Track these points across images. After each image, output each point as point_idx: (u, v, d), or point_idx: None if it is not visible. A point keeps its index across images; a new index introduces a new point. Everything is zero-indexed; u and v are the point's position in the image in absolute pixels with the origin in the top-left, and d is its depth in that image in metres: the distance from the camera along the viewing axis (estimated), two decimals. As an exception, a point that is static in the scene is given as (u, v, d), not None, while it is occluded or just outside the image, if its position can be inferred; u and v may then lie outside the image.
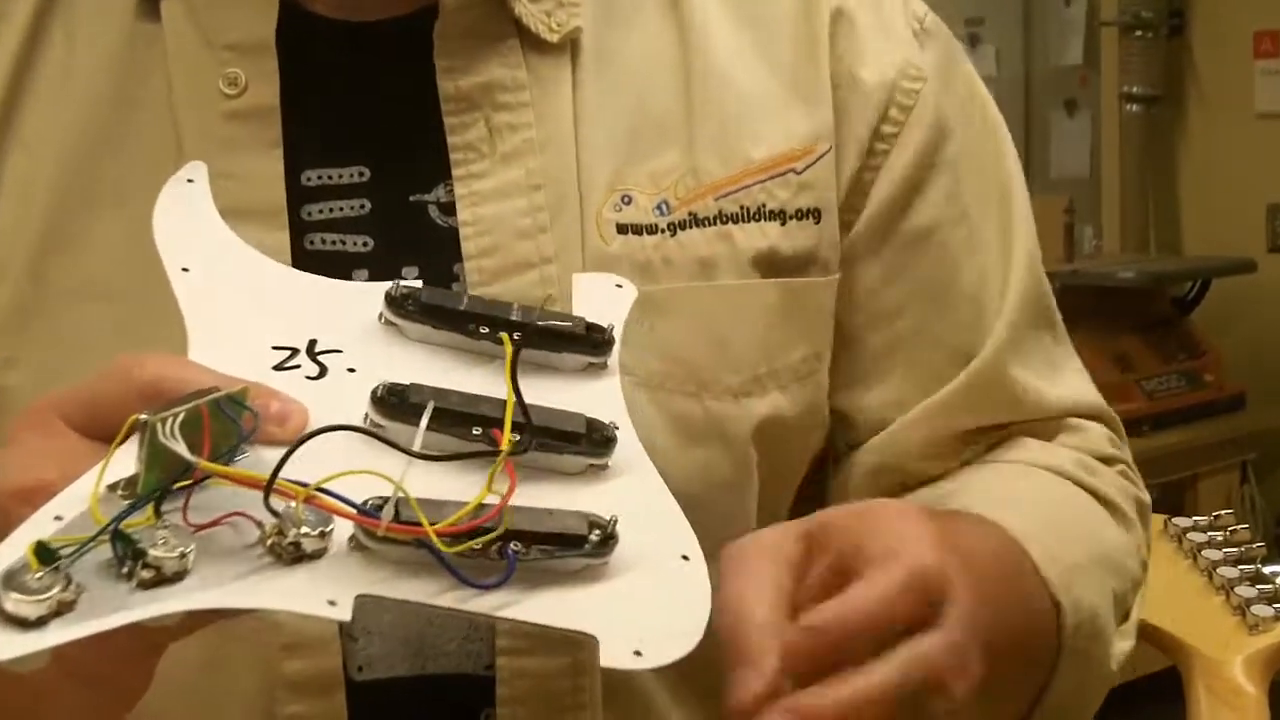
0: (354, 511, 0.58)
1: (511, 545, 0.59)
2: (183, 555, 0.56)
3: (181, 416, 0.58)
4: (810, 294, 0.87)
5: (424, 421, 0.62)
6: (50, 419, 0.65)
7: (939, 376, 0.88)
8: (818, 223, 0.87)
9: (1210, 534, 0.97)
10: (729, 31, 0.88)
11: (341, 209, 0.83)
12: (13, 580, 0.54)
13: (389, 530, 0.57)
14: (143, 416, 0.58)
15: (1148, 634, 0.92)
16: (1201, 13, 3.99)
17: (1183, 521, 0.99)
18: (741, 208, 0.85)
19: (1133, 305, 3.57)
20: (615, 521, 0.61)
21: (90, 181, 0.83)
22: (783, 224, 0.86)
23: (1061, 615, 0.76)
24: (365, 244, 0.83)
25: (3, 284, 0.83)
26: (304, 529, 0.57)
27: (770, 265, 0.86)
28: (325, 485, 0.58)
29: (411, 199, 0.84)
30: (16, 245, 0.83)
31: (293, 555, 0.57)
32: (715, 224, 0.85)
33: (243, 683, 0.78)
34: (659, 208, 0.85)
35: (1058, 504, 0.85)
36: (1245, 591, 0.91)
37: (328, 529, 0.58)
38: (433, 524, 0.58)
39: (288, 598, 0.57)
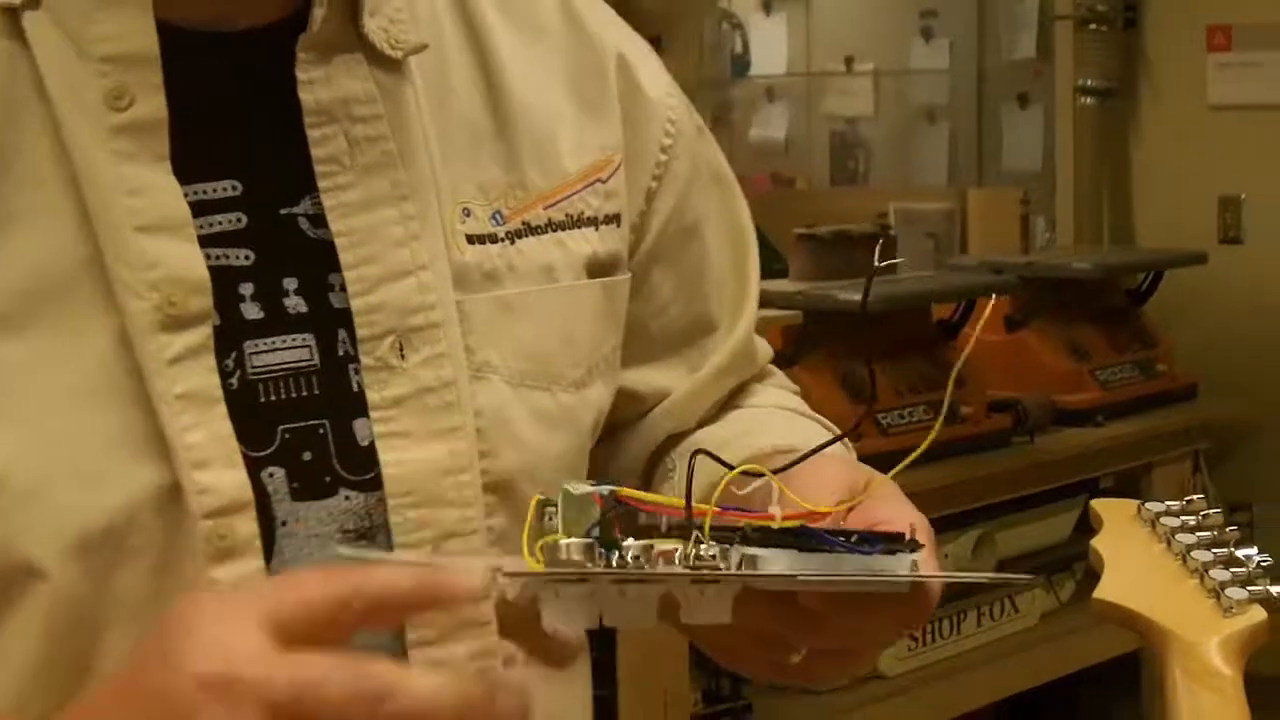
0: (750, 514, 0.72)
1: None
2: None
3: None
4: (618, 291, 0.98)
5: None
6: (246, 621, 0.65)
7: (703, 350, 1.06)
8: (619, 227, 0.98)
9: (1183, 518, 0.98)
10: (514, 45, 0.95)
11: (220, 223, 0.85)
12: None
13: (784, 520, 0.72)
14: (540, 495, 0.71)
15: (1123, 618, 0.93)
16: (1155, 6, 4.02)
17: (1155, 506, 1.00)
18: (566, 216, 0.95)
19: (1087, 296, 3.59)
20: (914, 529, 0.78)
21: None
22: (596, 229, 0.96)
23: None
24: (247, 257, 0.85)
25: None
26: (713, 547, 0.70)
27: (594, 267, 0.96)
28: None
29: (282, 212, 0.86)
30: None
31: (710, 566, 0.70)
32: (548, 232, 0.94)
33: None
34: (494, 218, 0.92)
35: (816, 427, 1.10)
36: (1219, 575, 0.92)
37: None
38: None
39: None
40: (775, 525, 0.72)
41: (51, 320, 0.81)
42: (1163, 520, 0.99)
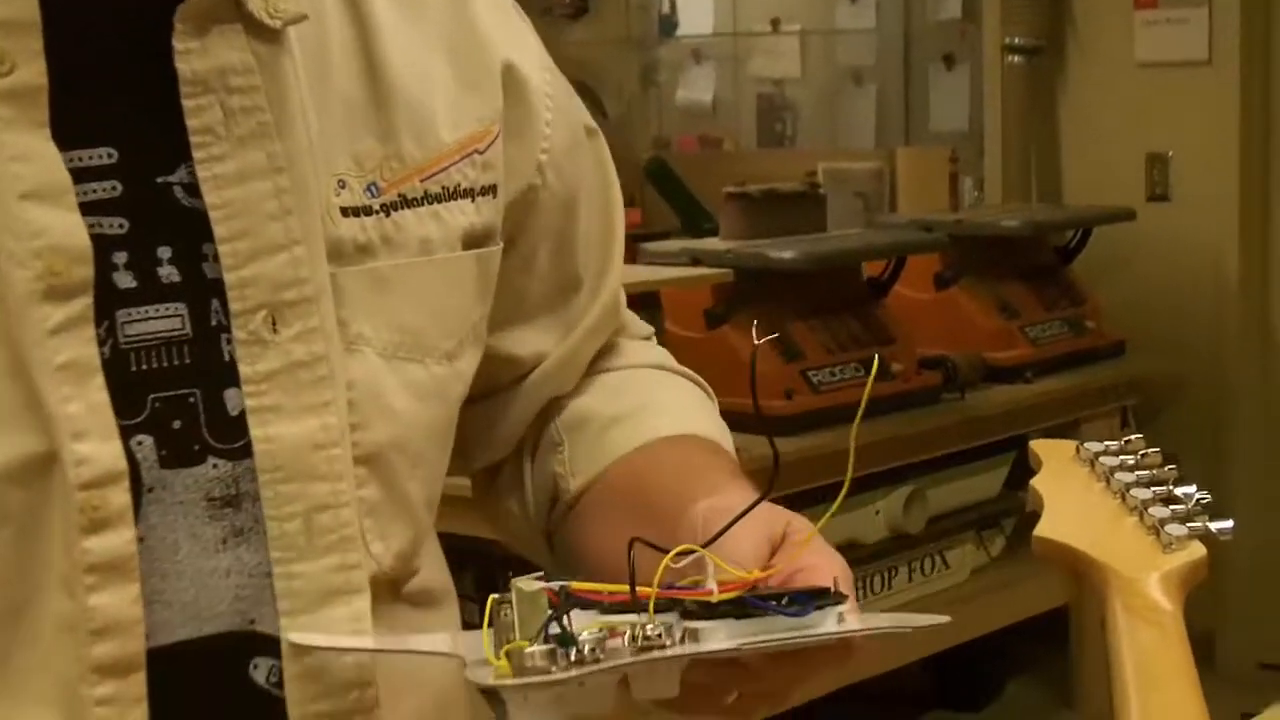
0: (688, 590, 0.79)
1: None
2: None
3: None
4: (491, 261, 0.98)
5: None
6: None
7: (574, 308, 1.06)
8: (495, 198, 0.98)
9: (1122, 458, 0.98)
10: (395, 18, 0.95)
11: (95, 191, 0.84)
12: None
13: (720, 594, 0.78)
14: (495, 596, 0.75)
15: (1063, 556, 0.93)
16: (1082, -36, 4.03)
17: (1094, 446, 1.00)
18: (443, 188, 0.94)
19: (1016, 254, 3.60)
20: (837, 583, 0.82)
21: None
22: (473, 200, 0.96)
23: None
24: (121, 225, 0.84)
25: None
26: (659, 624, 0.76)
27: (469, 239, 0.96)
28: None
29: (158, 180, 0.85)
30: None
31: (658, 644, 0.76)
32: (424, 204, 0.94)
33: (41, 668, 0.81)
34: (369, 190, 0.92)
35: (693, 397, 1.10)
36: (1159, 512, 0.92)
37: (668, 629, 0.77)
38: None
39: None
40: (714, 600, 0.78)
41: None
42: (1101, 460, 0.98)
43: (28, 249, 0.80)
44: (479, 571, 2.53)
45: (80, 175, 0.83)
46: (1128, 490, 0.95)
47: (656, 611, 0.76)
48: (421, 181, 0.94)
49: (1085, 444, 1.00)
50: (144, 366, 0.84)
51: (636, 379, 1.10)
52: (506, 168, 0.99)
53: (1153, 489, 0.94)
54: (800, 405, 2.93)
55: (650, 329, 1.17)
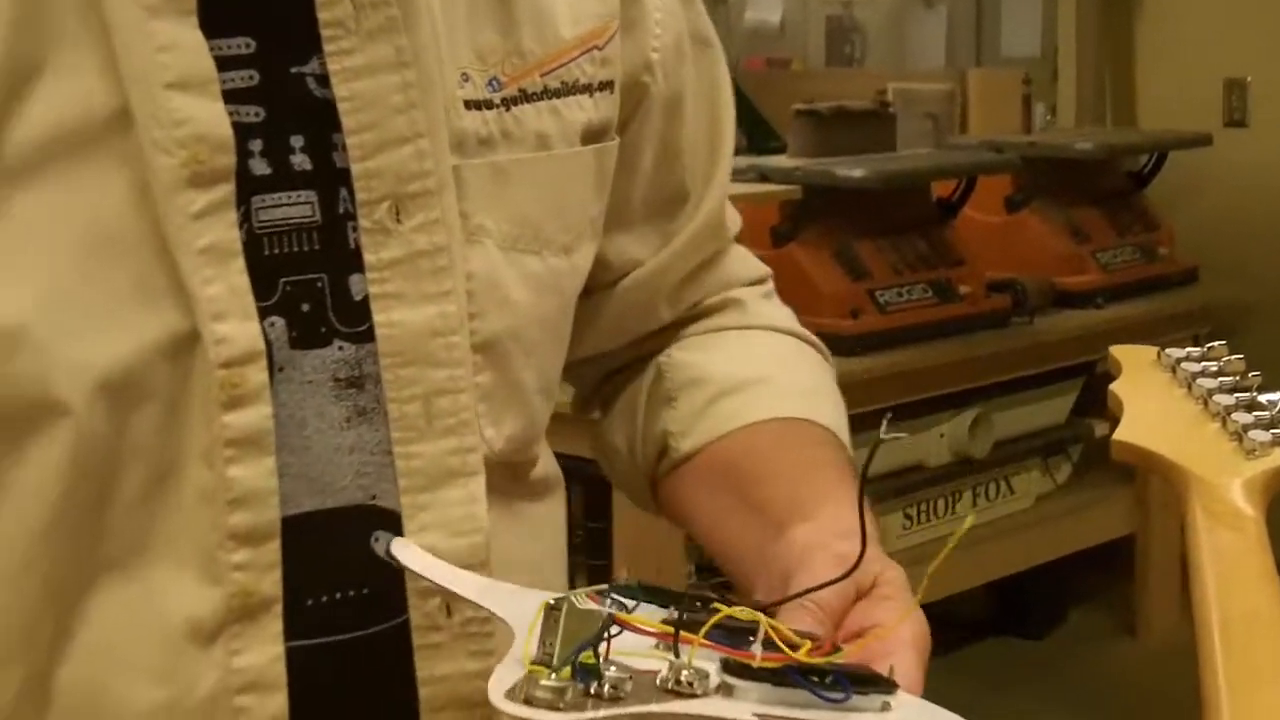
0: (729, 647, 0.74)
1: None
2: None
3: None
4: (608, 157, 1.00)
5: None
6: None
7: (675, 220, 1.06)
8: (612, 93, 0.99)
9: (1204, 364, 0.95)
10: None
11: (235, 80, 0.86)
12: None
13: (763, 660, 0.73)
14: (550, 600, 0.72)
15: (1142, 459, 0.90)
16: (1162, -117, 3.95)
17: (1176, 352, 0.97)
18: (562, 84, 0.96)
19: (1089, 178, 3.55)
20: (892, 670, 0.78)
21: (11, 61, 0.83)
22: (591, 96, 0.98)
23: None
24: (258, 114, 0.87)
25: None
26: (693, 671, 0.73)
27: (588, 134, 0.98)
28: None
29: (292, 70, 0.88)
30: None
31: (688, 692, 0.73)
32: (543, 99, 0.95)
33: (183, 534, 0.85)
34: (490, 84, 0.94)
35: (815, 373, 1.09)
36: (1242, 418, 0.89)
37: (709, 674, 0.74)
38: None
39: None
40: (754, 664, 0.75)
41: (72, 173, 0.83)
42: (1183, 366, 0.95)
43: (173, 137, 0.83)
44: (582, 489, 2.54)
45: (221, 64, 0.85)
46: (1210, 396, 0.92)
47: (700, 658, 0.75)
48: (541, 76, 0.96)
49: (1166, 350, 0.97)
50: (276, 251, 0.87)
51: (759, 344, 1.09)
52: (620, 64, 1.00)
53: (1235, 395, 0.92)
54: (866, 325, 2.90)
55: (765, 270, 1.15)
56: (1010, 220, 3.45)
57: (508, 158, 0.94)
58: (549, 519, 1.03)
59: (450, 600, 0.90)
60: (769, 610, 0.79)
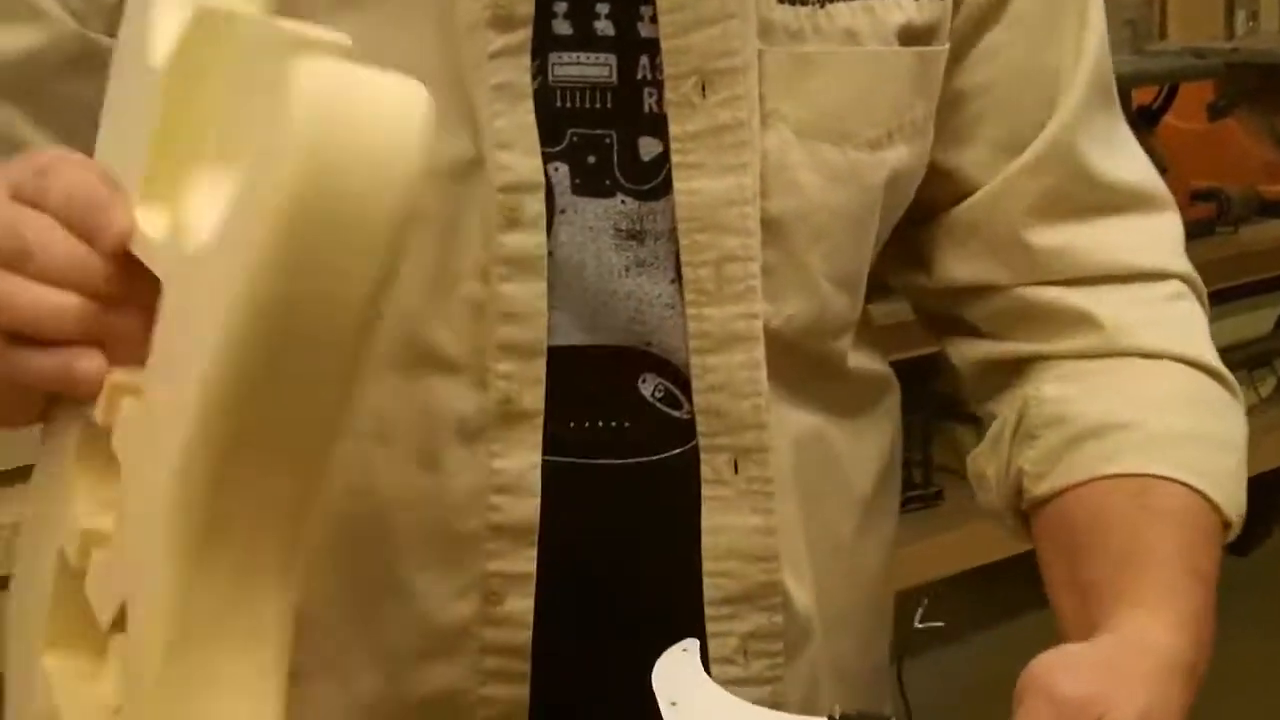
0: None
1: None
2: None
3: None
4: (933, 60, 0.99)
5: None
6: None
7: (1020, 143, 1.01)
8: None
9: None
10: None
11: None
12: None
13: None
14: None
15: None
16: None
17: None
18: None
19: (1294, 84, 3.45)
20: None
21: None
22: None
23: (1228, 530, 0.94)
24: None
25: None
26: None
27: (906, 35, 0.97)
28: None
29: None
30: None
31: None
32: None
33: (457, 339, 0.92)
34: None
35: (1198, 415, 0.98)
36: None
37: None
38: None
39: None
40: None
41: (387, 5, 0.89)
42: None
43: None
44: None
45: None
46: None
47: None
48: None
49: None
50: (568, 104, 0.93)
51: (1138, 377, 1.00)
52: None
53: None
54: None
55: (1186, 268, 1.05)
56: (1213, 128, 3.37)
57: (814, 49, 0.95)
58: (867, 431, 1.06)
59: (738, 457, 0.95)
60: None
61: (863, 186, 0.98)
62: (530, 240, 0.91)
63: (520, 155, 0.91)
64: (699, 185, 0.93)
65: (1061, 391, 1.00)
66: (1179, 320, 1.03)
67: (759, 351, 0.95)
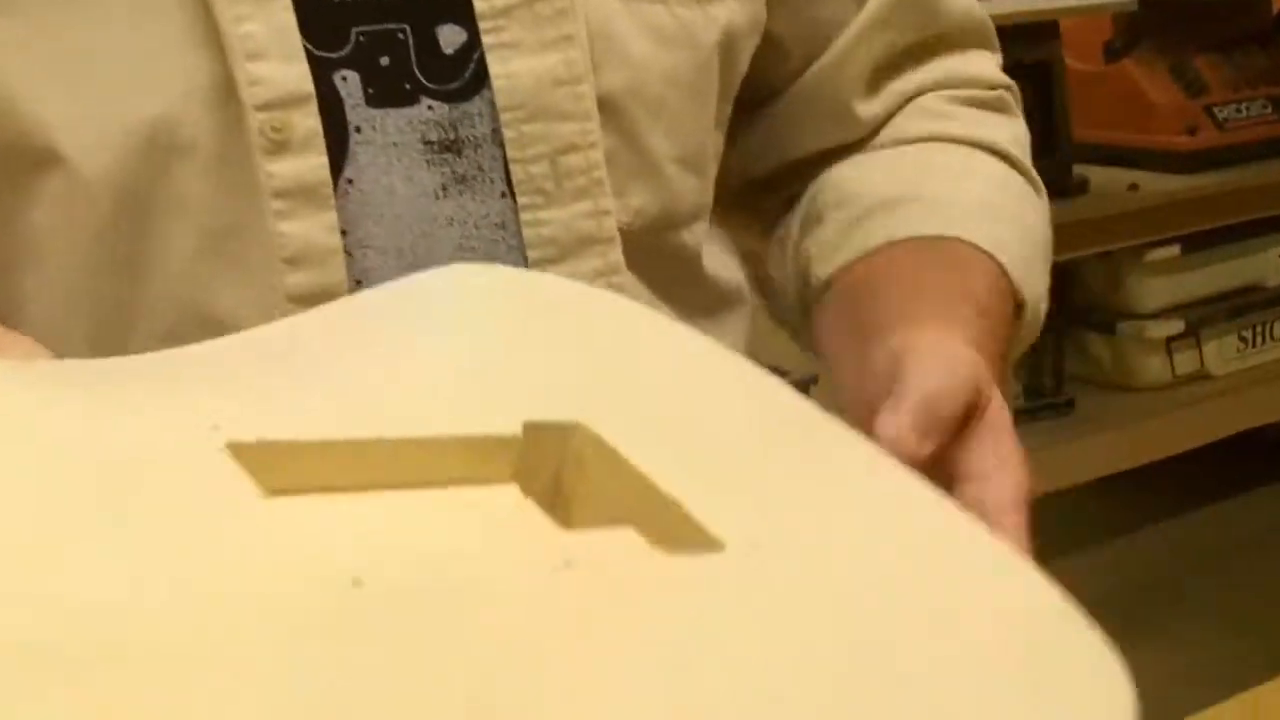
0: None
1: None
2: None
3: None
4: None
5: None
6: None
7: None
8: None
9: None
10: None
11: None
12: None
13: None
14: None
15: None
16: None
17: None
18: None
19: (1213, 20, 3.15)
20: None
21: None
22: None
23: (1021, 313, 0.86)
24: None
25: None
26: None
27: None
28: None
29: None
30: None
31: None
32: None
33: (243, 296, 0.77)
34: None
35: (992, 190, 0.90)
36: None
37: None
38: None
39: None
40: None
41: None
42: None
43: None
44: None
45: None
46: None
47: None
48: None
49: None
50: None
51: (932, 156, 0.93)
52: None
53: None
54: (1204, 142, 2.82)
55: (1001, 78, 0.98)
56: (1110, 70, 3.25)
57: None
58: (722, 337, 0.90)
59: None
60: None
61: (695, 47, 0.85)
62: (305, 164, 0.76)
63: (278, 64, 0.75)
64: (518, 67, 0.79)
65: (854, 172, 0.93)
66: (1003, 124, 0.96)
67: (616, 254, 0.81)
